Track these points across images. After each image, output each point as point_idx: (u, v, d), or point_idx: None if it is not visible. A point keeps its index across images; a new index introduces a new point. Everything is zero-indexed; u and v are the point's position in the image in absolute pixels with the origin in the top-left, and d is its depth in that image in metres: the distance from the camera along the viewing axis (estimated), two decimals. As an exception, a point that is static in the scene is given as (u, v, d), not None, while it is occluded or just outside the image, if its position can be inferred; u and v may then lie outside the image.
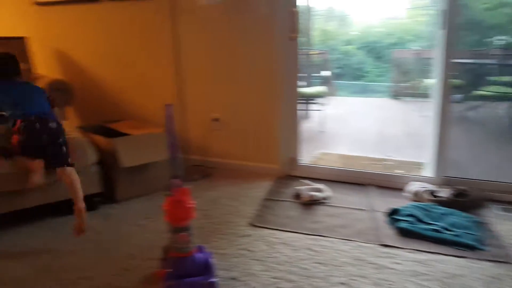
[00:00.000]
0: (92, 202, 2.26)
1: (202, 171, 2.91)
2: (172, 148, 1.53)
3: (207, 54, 2.87)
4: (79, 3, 3.17)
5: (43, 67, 3.33)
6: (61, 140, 1.99)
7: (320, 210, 2.27)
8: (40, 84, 2.64)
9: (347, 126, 5.11)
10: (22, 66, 2.78)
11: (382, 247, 1.85)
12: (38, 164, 1.94)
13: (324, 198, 2.38)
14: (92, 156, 2.19)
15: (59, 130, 2.00)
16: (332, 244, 1.88)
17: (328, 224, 2.09)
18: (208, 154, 3.04)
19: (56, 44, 3.38)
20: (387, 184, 2.60)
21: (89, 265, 1.74)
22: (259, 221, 2.11)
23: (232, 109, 2.90)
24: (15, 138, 1.91)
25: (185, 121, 3.00)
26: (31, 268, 1.71)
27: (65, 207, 2.22)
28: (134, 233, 2.02)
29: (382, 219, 2.14)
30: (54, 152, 1.96)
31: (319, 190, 2.41)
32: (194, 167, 2.97)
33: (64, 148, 2.00)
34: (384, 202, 2.33)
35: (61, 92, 2.65)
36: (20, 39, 3.10)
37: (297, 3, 2.57)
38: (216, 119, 2.96)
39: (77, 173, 2.04)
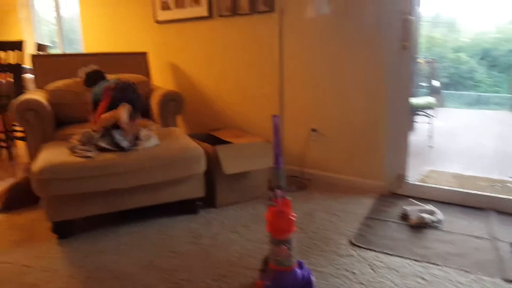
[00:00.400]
0: (194, 206, 2.35)
1: (298, 182, 2.85)
2: (277, 158, 1.50)
3: (309, 65, 2.83)
4: (193, 20, 3.37)
5: (159, 79, 3.62)
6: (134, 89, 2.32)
7: (431, 234, 2.06)
8: (156, 94, 2.85)
9: (459, 141, 4.66)
10: (142, 78, 3.09)
11: (508, 283, 1.60)
12: (120, 110, 2.17)
13: (436, 222, 2.15)
14: (203, 166, 2.27)
15: (129, 83, 2.34)
16: (446, 274, 1.68)
17: (441, 251, 1.88)
18: (304, 165, 2.98)
19: (170, 58, 3.64)
20: (510, 210, 2.28)
21: (189, 267, 1.78)
22: (361, 241, 1.98)
23: (331, 120, 2.81)
24: (102, 106, 2.25)
25: (283, 130, 2.98)
26: (138, 264, 1.81)
27: (172, 209, 2.35)
28: (233, 239, 2.03)
29: (506, 250, 1.86)
30: (133, 98, 2.27)
31: (430, 212, 2.19)
32: (290, 178, 2.93)
33: (137, 97, 2.31)
34: (508, 231, 2.04)
35: (174, 102, 2.83)
36: (143, 54, 3.39)
37: (411, 10, 2.40)
38: (314, 130, 2.90)
39: (188, 179, 2.22)
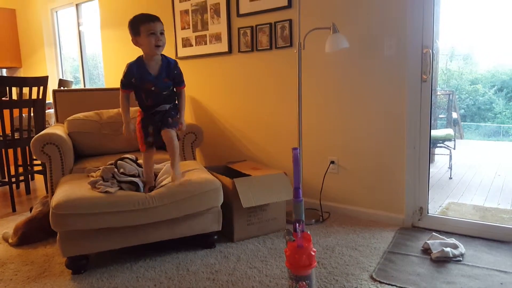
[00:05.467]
0: (211, 240, 2.33)
1: (316, 215, 2.81)
2: (297, 191, 1.49)
3: (328, 98, 2.86)
4: (213, 56, 3.47)
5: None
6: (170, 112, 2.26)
7: (454, 269, 1.99)
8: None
9: (478, 172, 4.58)
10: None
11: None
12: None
13: (458, 255, 2.09)
14: (221, 199, 2.26)
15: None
16: (473, 312, 1.62)
17: (465, 286, 1.81)
18: (323, 197, 2.95)
19: (190, 92, 3.71)
20: (537, 244, 2.21)
21: (208, 304, 1.75)
22: (383, 276, 1.92)
23: (351, 152, 2.80)
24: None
25: (301, 163, 2.97)
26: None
27: (188, 243, 2.33)
28: (250, 275, 1.99)
29: (536, 287, 1.79)
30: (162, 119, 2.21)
31: (452, 246, 2.13)
32: (309, 211, 2.89)
33: (170, 119, 2.22)
34: (537, 266, 1.96)
35: (193, 135, 2.87)
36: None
37: (431, 44, 2.43)
38: (333, 162, 2.88)
39: (205, 213, 2.21)
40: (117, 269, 2.09)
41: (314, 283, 1.45)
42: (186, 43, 3.60)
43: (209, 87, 3.56)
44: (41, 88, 3.47)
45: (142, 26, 2.08)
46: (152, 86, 2.17)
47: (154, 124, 2.22)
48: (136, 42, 2.14)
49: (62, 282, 1.98)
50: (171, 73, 2.22)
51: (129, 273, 2.06)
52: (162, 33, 2.11)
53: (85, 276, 2.03)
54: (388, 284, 1.85)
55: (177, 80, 2.27)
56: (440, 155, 4.72)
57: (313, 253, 1.43)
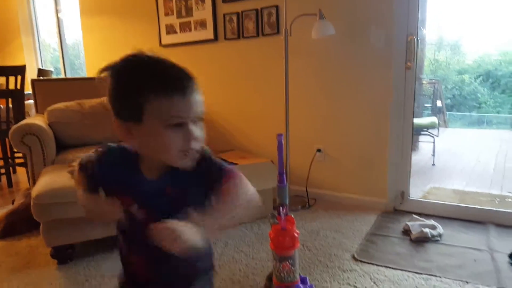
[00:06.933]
0: (198, 226, 2.34)
1: (303, 202, 2.85)
2: (281, 176, 1.51)
3: (314, 86, 2.88)
4: (199, 43, 3.41)
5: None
6: None
7: (432, 248, 2.07)
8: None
9: (460, 159, 4.68)
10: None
11: (509, 295, 1.60)
12: None
13: (436, 236, 2.16)
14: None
15: None
16: (445, 285, 1.69)
17: (441, 264, 1.89)
18: (309, 184, 2.99)
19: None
20: (508, 222, 2.30)
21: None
22: (364, 256, 1.98)
23: (336, 140, 2.84)
24: None
25: (289, 151, 3.00)
26: None
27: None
28: (237, 259, 2.03)
29: (503, 261, 1.88)
30: None
31: (431, 227, 2.20)
32: (295, 197, 2.93)
33: None
34: (506, 243, 2.06)
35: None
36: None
37: (415, 31, 2.45)
38: (319, 150, 2.92)
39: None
40: (104, 258, 2.08)
41: (297, 263, 1.48)
42: (170, 30, 3.54)
43: (194, 76, 3.54)
44: (19, 77, 3.39)
45: (154, 101, 0.85)
46: (135, 201, 0.91)
47: None
48: (127, 132, 0.88)
49: (48, 272, 1.97)
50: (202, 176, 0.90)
51: (116, 261, 2.04)
52: (196, 121, 0.91)
53: (71, 265, 2.02)
54: (369, 263, 1.91)
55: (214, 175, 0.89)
56: (425, 142, 4.80)
57: (296, 235, 1.45)
